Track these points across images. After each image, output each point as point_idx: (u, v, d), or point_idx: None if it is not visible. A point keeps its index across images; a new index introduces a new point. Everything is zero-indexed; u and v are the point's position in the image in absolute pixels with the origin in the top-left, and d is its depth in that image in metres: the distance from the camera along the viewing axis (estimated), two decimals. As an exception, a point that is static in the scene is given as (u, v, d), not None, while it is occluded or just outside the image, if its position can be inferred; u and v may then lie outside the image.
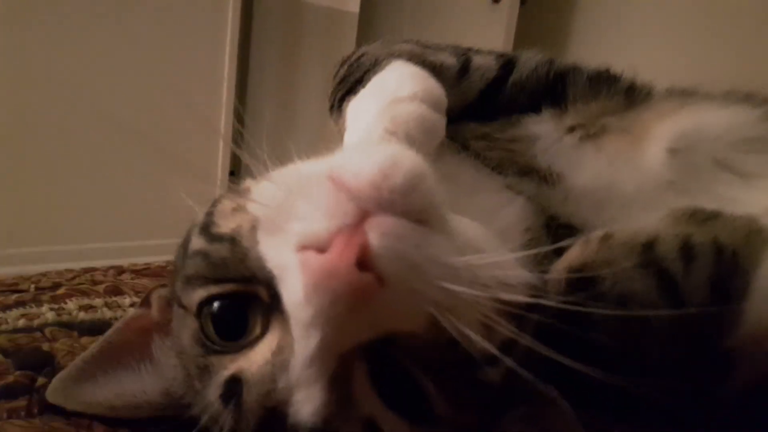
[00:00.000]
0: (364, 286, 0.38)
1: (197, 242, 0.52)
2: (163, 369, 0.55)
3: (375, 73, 0.62)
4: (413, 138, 0.54)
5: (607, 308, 0.51)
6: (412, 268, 0.40)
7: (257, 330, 0.46)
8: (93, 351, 0.55)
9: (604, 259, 0.55)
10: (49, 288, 0.80)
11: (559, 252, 0.60)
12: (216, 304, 0.47)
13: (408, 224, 0.41)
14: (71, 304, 0.74)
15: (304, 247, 0.40)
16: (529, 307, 0.48)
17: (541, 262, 0.58)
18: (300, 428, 0.43)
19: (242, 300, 0.47)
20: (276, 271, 0.43)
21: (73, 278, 0.87)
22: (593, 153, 0.68)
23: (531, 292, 0.50)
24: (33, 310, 0.71)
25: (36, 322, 0.68)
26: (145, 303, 0.59)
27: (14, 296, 0.75)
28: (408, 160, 0.43)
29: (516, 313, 0.46)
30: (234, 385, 0.45)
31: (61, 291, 0.79)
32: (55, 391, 0.54)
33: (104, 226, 1.97)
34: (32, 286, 0.80)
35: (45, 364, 0.61)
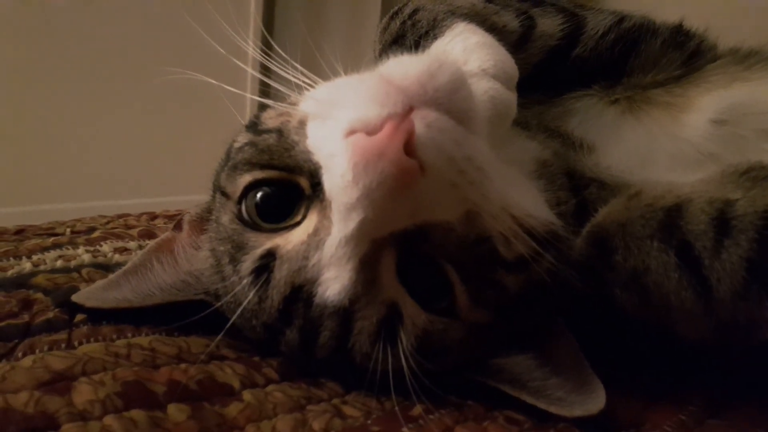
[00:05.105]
0: (409, 169, 0.40)
1: (244, 137, 0.54)
2: (182, 263, 0.58)
3: (434, 37, 0.56)
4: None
5: (619, 281, 0.49)
6: (451, 162, 0.42)
7: (297, 217, 0.48)
8: (123, 270, 0.58)
9: (620, 221, 0.50)
10: (84, 232, 0.81)
11: (583, 211, 0.57)
12: (261, 190, 0.50)
13: (450, 121, 0.43)
14: (106, 247, 0.75)
15: (353, 131, 0.42)
16: (544, 244, 0.49)
17: (564, 215, 0.56)
18: (326, 307, 0.46)
19: (285, 187, 0.49)
20: (322, 161, 0.45)
21: (107, 223, 0.88)
22: (632, 125, 0.64)
23: (547, 229, 0.51)
24: (70, 251, 0.72)
25: (73, 263, 0.69)
26: (178, 226, 0.61)
27: (51, 239, 0.76)
28: (453, 65, 0.46)
29: (532, 242, 0.48)
30: (268, 260, 0.47)
31: (95, 234, 0.80)
32: (80, 295, 0.58)
33: (137, 181, 1.99)
34: (68, 230, 0.81)
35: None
